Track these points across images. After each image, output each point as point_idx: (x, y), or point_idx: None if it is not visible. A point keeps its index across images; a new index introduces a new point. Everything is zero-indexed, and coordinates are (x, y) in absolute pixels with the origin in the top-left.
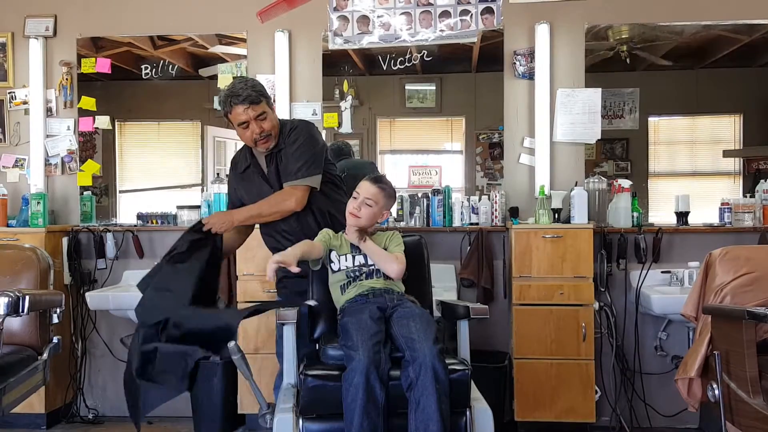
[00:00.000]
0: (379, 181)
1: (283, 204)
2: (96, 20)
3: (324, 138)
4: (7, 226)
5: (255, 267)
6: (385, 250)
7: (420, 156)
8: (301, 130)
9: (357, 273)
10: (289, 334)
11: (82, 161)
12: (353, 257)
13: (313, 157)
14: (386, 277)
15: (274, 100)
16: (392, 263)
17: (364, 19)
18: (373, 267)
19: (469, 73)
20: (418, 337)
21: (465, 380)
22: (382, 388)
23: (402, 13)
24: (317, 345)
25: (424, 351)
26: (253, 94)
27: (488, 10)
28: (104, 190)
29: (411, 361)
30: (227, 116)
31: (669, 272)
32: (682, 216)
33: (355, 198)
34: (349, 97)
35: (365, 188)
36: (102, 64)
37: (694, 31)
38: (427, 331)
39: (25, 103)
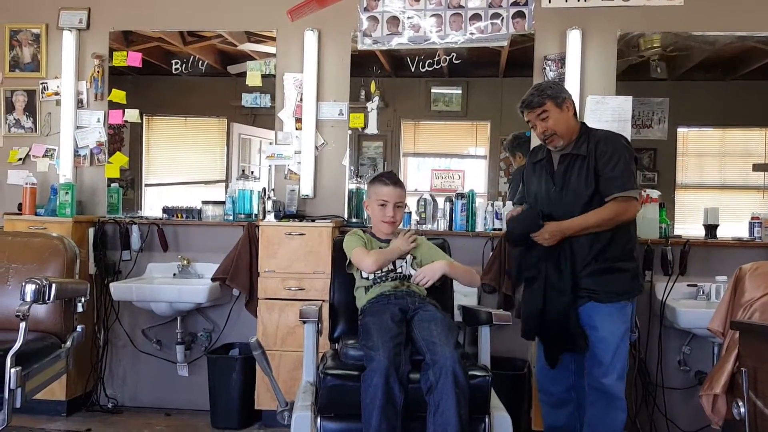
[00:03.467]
0: (397, 181)
1: (620, 218)
2: (128, 14)
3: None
4: (36, 214)
5: (276, 264)
6: (421, 253)
7: (443, 160)
8: (617, 143)
9: (383, 279)
10: (310, 331)
11: (111, 153)
12: None
13: (631, 171)
14: (407, 278)
15: (301, 99)
16: (474, 275)
17: (394, 20)
18: (400, 273)
19: (496, 78)
20: (439, 341)
21: (485, 386)
22: (401, 390)
23: (432, 15)
24: (337, 344)
25: (445, 355)
26: (534, 100)
27: (519, 14)
28: (131, 182)
29: (431, 364)
30: None
31: (695, 286)
32: (710, 229)
33: (382, 205)
34: (376, 98)
35: (391, 193)
36: (133, 58)
37: (727, 42)
38: (448, 335)
39: (56, 94)
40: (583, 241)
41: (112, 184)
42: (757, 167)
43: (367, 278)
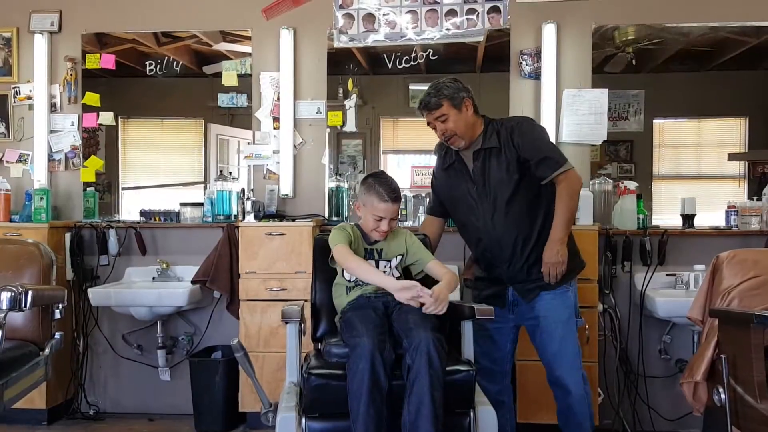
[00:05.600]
0: (396, 197)
1: (576, 192)
2: (101, 16)
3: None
4: (10, 221)
5: (257, 265)
6: (407, 253)
7: (423, 156)
8: (530, 126)
9: (366, 282)
10: (293, 331)
11: (86, 157)
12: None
13: (554, 146)
14: None
15: (278, 98)
16: (455, 284)
17: (370, 17)
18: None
19: (473, 73)
20: (414, 325)
21: (469, 380)
22: (386, 375)
23: (408, 12)
24: (320, 344)
25: (420, 336)
26: (431, 101)
27: (495, 9)
28: (107, 186)
29: (408, 348)
30: None
31: (674, 275)
32: (687, 219)
33: (378, 221)
34: (354, 96)
35: (389, 209)
36: (106, 60)
37: (701, 33)
38: (424, 320)
39: (29, 98)
40: (516, 233)
41: (88, 189)
42: (732, 156)
43: (350, 280)
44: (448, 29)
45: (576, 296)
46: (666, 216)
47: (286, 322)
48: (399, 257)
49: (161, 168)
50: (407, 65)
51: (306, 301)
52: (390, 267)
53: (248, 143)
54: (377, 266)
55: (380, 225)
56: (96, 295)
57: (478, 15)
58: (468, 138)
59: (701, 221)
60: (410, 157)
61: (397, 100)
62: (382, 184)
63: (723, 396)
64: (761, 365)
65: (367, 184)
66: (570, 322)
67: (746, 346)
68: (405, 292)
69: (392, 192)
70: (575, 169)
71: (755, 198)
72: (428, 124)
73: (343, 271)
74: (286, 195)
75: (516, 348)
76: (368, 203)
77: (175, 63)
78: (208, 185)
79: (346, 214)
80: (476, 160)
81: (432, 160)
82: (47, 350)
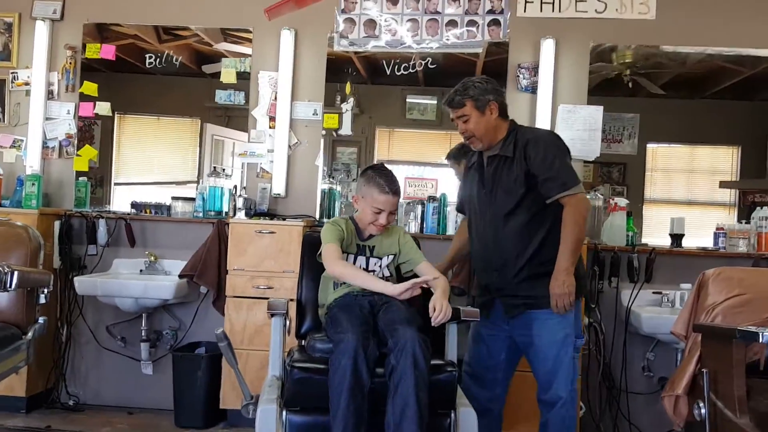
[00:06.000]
0: (396, 189)
1: (582, 218)
2: (104, 7)
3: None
4: (0, 205)
5: (245, 262)
6: (399, 252)
7: (417, 168)
8: (547, 142)
9: None
10: (277, 324)
11: (80, 147)
12: (355, 257)
13: (568, 166)
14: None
15: (275, 98)
16: (448, 289)
17: (371, 23)
18: (373, 274)
19: None
20: (400, 324)
21: (451, 381)
22: (368, 372)
23: (409, 20)
24: (304, 340)
25: (406, 336)
26: (455, 98)
27: (495, 22)
28: (100, 181)
29: (393, 347)
30: None
31: (660, 293)
32: (676, 238)
33: (376, 213)
34: (351, 100)
35: (389, 202)
36: (107, 51)
37: (697, 60)
38: (410, 319)
39: (26, 84)
40: (510, 245)
41: (81, 178)
42: (723, 184)
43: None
44: (447, 39)
45: (578, 315)
46: (656, 239)
47: (272, 314)
48: (391, 257)
49: (155, 165)
50: (405, 73)
51: (292, 300)
52: (380, 266)
53: (244, 143)
54: (367, 264)
55: (379, 218)
56: (82, 283)
57: (478, 27)
58: (487, 141)
59: (691, 245)
60: (404, 168)
61: (395, 111)
62: (382, 176)
63: (703, 410)
64: (742, 381)
65: (367, 175)
66: (566, 342)
67: (728, 361)
68: (406, 293)
69: (392, 184)
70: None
71: (744, 221)
72: (452, 120)
73: None
74: (279, 194)
75: (515, 360)
76: (367, 195)
77: (175, 61)
78: (201, 182)
79: (337, 214)
80: (489, 165)
81: (426, 172)
82: (30, 334)
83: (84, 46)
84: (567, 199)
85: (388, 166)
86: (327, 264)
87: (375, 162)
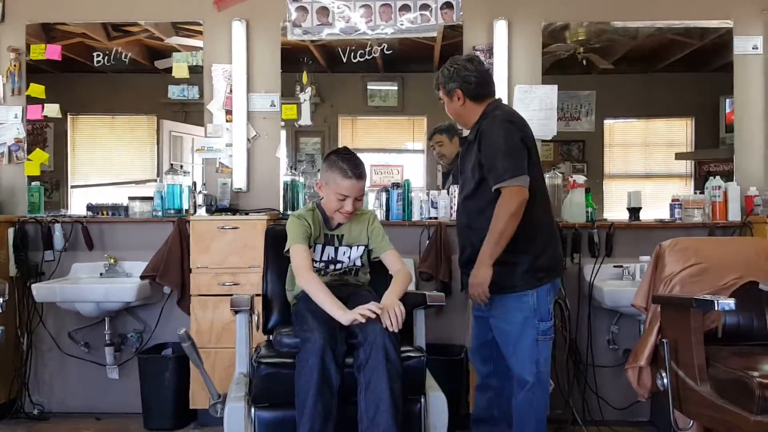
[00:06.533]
0: (360, 173)
1: (509, 212)
2: (46, 6)
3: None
4: None
5: (209, 260)
6: (368, 240)
7: (382, 155)
8: (494, 129)
9: (322, 273)
10: (242, 321)
11: (31, 152)
12: (323, 248)
13: (506, 159)
14: (348, 273)
15: (230, 91)
16: (408, 284)
17: (324, 11)
18: (340, 268)
19: (430, 73)
20: (369, 318)
21: (420, 367)
22: (337, 370)
23: (362, 6)
24: (271, 336)
25: (375, 330)
26: (434, 84)
27: (448, 5)
28: (55, 185)
29: (363, 341)
30: None
31: (621, 266)
32: (634, 212)
33: (341, 200)
34: (309, 89)
35: (353, 187)
36: (52, 51)
37: (648, 34)
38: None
39: None
40: (471, 228)
41: (33, 183)
42: (679, 156)
43: None
44: (402, 24)
45: (543, 299)
46: (617, 213)
47: (236, 312)
48: (362, 248)
49: (112, 165)
50: (362, 59)
51: (259, 295)
52: (350, 256)
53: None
54: (336, 253)
55: (344, 205)
56: (40, 290)
57: (431, 11)
58: (462, 125)
59: (650, 217)
60: (369, 155)
61: (356, 98)
62: (345, 160)
63: (665, 380)
64: (701, 349)
65: (330, 160)
66: (526, 325)
67: (686, 330)
68: (355, 322)
69: (356, 168)
70: (523, 185)
71: (699, 192)
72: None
73: None
74: (240, 189)
75: None
76: (330, 181)
77: (125, 56)
78: (160, 180)
79: (301, 205)
80: (462, 147)
81: (391, 159)
82: None
83: (28, 48)
84: (502, 190)
85: None
86: (296, 273)
87: None
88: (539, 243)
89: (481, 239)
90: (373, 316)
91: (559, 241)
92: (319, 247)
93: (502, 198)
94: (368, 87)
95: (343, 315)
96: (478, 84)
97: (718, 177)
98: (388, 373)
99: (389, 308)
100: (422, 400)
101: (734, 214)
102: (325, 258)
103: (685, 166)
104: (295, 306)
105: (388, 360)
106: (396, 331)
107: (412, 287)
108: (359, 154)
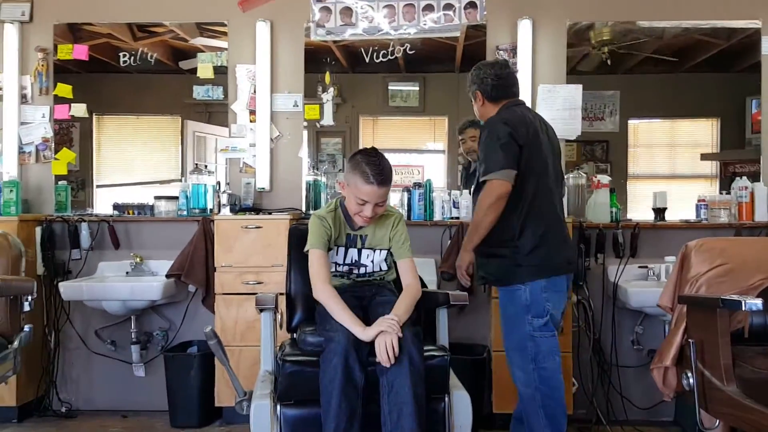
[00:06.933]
0: (383, 180)
1: (486, 204)
2: (74, 6)
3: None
4: None
5: (233, 259)
6: (390, 243)
7: (402, 155)
8: (485, 129)
9: (345, 273)
10: (267, 320)
11: (57, 151)
12: (345, 250)
13: (491, 155)
14: (372, 276)
15: (254, 91)
16: (416, 300)
17: (347, 11)
18: (363, 272)
19: (452, 73)
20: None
21: (444, 366)
22: (361, 369)
23: (385, 6)
24: (295, 334)
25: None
26: (467, 86)
27: (472, 5)
28: (81, 184)
29: None
30: None
31: (646, 267)
32: (659, 212)
33: (361, 204)
34: (331, 89)
35: (374, 193)
36: (79, 51)
37: (674, 35)
38: None
39: None
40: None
41: (60, 182)
42: (704, 156)
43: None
44: (425, 24)
45: (536, 295)
46: (640, 214)
47: (261, 310)
48: (385, 252)
49: (137, 165)
50: (386, 59)
51: (282, 294)
52: (373, 260)
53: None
54: (359, 256)
55: (363, 209)
56: (67, 289)
57: (455, 10)
58: None
59: (675, 218)
60: (390, 155)
61: (377, 99)
62: (369, 163)
63: (691, 380)
64: (728, 349)
65: (354, 161)
66: (517, 320)
67: (713, 330)
68: (374, 332)
69: (379, 174)
70: (505, 179)
71: (725, 192)
72: None
73: None
74: (263, 188)
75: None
76: (352, 183)
77: (150, 56)
78: (185, 180)
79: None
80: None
81: (412, 159)
82: (16, 343)
83: (56, 48)
84: (486, 183)
85: None
86: (312, 283)
87: None
88: (532, 238)
89: (490, 238)
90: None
91: (563, 239)
92: (342, 250)
93: (483, 190)
94: (389, 87)
95: (362, 332)
96: (495, 86)
97: (744, 177)
98: (411, 377)
99: (386, 336)
100: (446, 399)
101: (761, 215)
102: (348, 261)
103: (711, 167)
104: (319, 305)
105: (412, 363)
106: (387, 365)
107: (433, 287)
108: None
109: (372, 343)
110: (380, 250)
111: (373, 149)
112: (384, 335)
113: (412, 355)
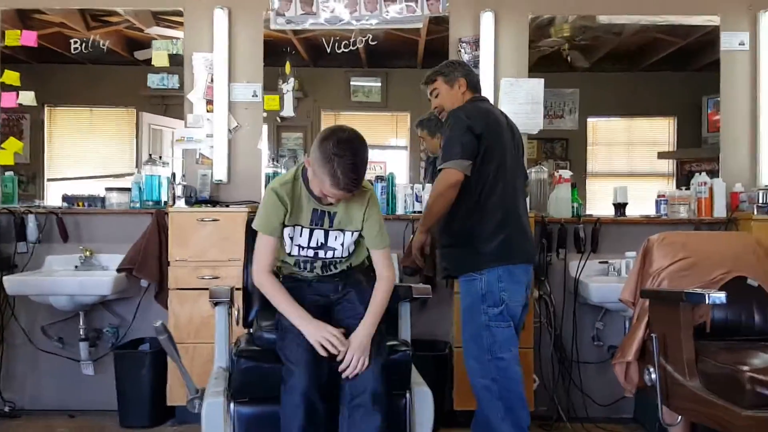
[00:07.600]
0: (354, 185)
1: (438, 191)
2: None
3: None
4: None
5: (188, 253)
6: (363, 224)
7: None
8: (448, 120)
9: (310, 263)
10: (222, 314)
11: (4, 141)
12: (310, 232)
13: (448, 145)
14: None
15: (211, 80)
16: (389, 294)
17: (308, 1)
18: (331, 256)
19: (414, 69)
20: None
21: (406, 361)
22: (322, 400)
23: None
24: (251, 328)
25: (365, 380)
26: (428, 76)
27: None
28: (31, 177)
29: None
30: None
31: (606, 262)
32: (619, 207)
33: (324, 195)
34: (291, 80)
35: (339, 195)
36: (27, 37)
37: (633, 32)
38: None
39: None
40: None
41: (7, 173)
42: (662, 155)
43: (289, 253)
44: (387, 14)
45: (492, 284)
46: (599, 212)
47: (215, 303)
48: (356, 233)
49: (90, 159)
50: (346, 51)
51: (239, 289)
52: (342, 243)
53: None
54: (326, 238)
55: (326, 198)
56: (12, 283)
57: (417, 2)
58: None
59: (633, 214)
60: None
61: (339, 94)
62: (343, 165)
63: (654, 375)
64: (690, 343)
65: (326, 151)
66: (472, 310)
67: (676, 324)
68: (316, 339)
69: (352, 181)
70: (456, 168)
71: (684, 188)
72: (428, 99)
73: (281, 243)
74: (220, 180)
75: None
76: (319, 175)
77: (102, 44)
78: (139, 172)
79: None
80: None
81: (374, 155)
82: None
83: (2, 34)
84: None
85: None
86: (254, 270)
87: None
88: (488, 228)
89: (444, 222)
90: (335, 352)
91: (522, 230)
92: (306, 231)
93: (438, 178)
94: (351, 82)
95: (307, 329)
96: (477, 76)
97: (704, 173)
98: (382, 416)
99: (355, 352)
100: (407, 395)
101: (720, 211)
102: (313, 244)
103: (668, 166)
104: (282, 318)
105: (375, 401)
106: (351, 376)
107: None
108: None
109: (332, 360)
110: (351, 231)
111: (351, 137)
112: (353, 350)
113: (376, 392)
